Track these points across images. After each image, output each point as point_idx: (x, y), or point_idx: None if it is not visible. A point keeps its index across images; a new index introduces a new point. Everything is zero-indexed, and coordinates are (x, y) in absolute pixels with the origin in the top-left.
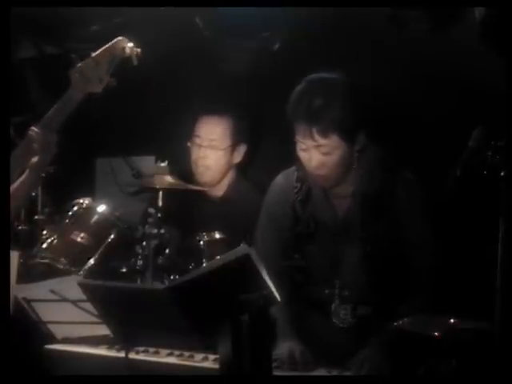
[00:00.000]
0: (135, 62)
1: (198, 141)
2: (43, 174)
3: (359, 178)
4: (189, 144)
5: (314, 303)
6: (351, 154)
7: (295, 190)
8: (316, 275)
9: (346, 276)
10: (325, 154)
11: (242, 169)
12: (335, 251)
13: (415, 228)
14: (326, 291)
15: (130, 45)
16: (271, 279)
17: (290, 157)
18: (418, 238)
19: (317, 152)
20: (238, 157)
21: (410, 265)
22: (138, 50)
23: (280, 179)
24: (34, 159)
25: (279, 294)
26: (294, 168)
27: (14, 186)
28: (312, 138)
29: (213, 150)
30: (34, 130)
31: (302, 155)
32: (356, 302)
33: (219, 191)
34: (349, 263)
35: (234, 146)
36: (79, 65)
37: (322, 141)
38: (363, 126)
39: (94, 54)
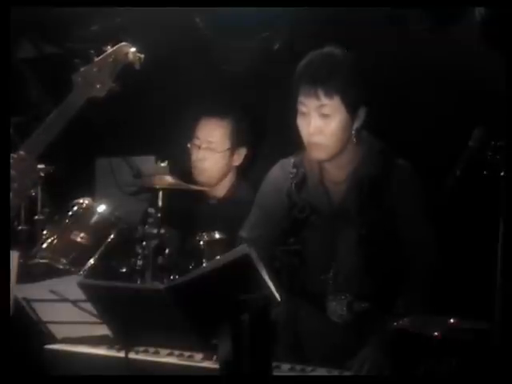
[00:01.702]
0: (138, 67)
1: (197, 142)
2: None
3: (355, 163)
4: (189, 145)
5: (309, 292)
6: (349, 126)
7: (291, 176)
8: (311, 260)
9: (341, 261)
10: (325, 115)
11: (243, 170)
12: (330, 236)
13: (410, 216)
14: (321, 277)
15: (133, 50)
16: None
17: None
18: (412, 227)
19: (316, 115)
20: (238, 160)
21: (405, 255)
22: (141, 55)
23: (276, 169)
24: (14, 185)
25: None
26: (290, 157)
27: None
28: (316, 96)
29: (211, 152)
30: (14, 156)
31: (301, 122)
32: (350, 290)
33: (219, 192)
34: (344, 249)
35: (233, 149)
36: (82, 69)
37: (325, 100)
38: (365, 103)
39: (96, 59)
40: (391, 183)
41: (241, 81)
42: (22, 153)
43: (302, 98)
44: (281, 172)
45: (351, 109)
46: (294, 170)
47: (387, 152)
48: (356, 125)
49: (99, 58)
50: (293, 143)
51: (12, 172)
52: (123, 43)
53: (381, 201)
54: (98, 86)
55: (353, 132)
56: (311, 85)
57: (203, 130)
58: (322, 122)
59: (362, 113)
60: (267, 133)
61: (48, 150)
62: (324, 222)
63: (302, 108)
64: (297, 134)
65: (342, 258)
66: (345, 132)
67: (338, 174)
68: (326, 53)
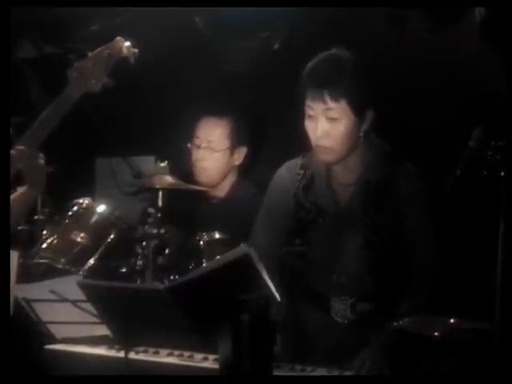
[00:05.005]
0: (132, 61)
1: (196, 142)
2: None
3: (363, 165)
4: (189, 145)
5: (313, 293)
6: (357, 128)
7: (298, 177)
8: (316, 262)
9: (346, 263)
10: (332, 119)
11: (244, 170)
12: (336, 238)
13: (417, 218)
14: (325, 278)
15: (128, 44)
16: (272, 270)
17: (292, 158)
18: (419, 229)
19: (323, 118)
20: (238, 159)
21: (411, 256)
22: (135, 50)
23: (282, 170)
24: (30, 179)
25: (278, 287)
26: (297, 158)
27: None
28: (323, 100)
29: (210, 151)
30: (16, 148)
31: (309, 125)
32: (354, 291)
33: (220, 192)
34: (349, 251)
35: (232, 149)
36: (76, 64)
37: (331, 104)
38: (372, 105)
39: (91, 54)
40: (398, 186)
41: (241, 81)
42: (19, 145)
43: (308, 102)
44: (287, 174)
45: (358, 111)
46: (302, 172)
47: (394, 155)
48: (364, 127)
49: (94, 52)
50: (294, 143)
51: (16, 165)
52: (117, 38)
53: (387, 203)
54: (92, 81)
55: (361, 134)
56: (318, 88)
57: (203, 129)
58: (329, 126)
59: (369, 115)
60: (268, 132)
61: (48, 150)
62: (330, 223)
63: (309, 111)
64: (305, 136)
65: (348, 260)
66: (352, 135)
67: (346, 176)
68: (332, 55)
